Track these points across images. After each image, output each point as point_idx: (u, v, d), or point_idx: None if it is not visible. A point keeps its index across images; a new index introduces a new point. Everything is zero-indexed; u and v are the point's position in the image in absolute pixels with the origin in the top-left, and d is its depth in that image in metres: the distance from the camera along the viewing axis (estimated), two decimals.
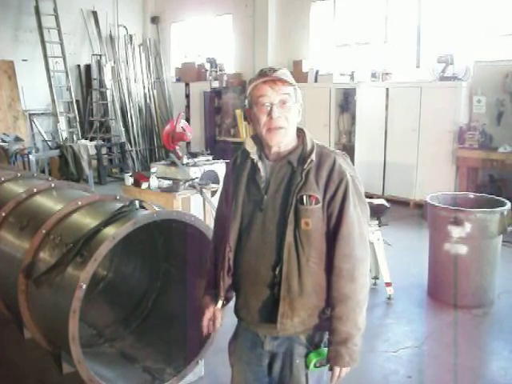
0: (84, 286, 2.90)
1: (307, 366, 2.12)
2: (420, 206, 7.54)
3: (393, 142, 8.41)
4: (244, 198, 2.13)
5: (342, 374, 2.07)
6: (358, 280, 2.01)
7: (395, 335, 4.32)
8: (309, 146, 2.08)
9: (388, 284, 4.88)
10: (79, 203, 3.62)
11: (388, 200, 5.39)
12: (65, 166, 8.81)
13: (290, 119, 2.05)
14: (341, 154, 2.12)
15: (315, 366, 2.11)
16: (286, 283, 2.03)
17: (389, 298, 4.89)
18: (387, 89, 8.36)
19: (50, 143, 10.72)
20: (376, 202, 5.03)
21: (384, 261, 4.84)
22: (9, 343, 4.16)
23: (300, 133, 2.14)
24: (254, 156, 2.12)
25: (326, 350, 2.10)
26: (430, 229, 5.04)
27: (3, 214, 3.96)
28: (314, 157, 2.05)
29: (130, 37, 12.07)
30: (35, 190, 4.15)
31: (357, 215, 2.03)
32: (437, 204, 4.84)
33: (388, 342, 4.18)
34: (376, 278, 5.17)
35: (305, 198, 2.01)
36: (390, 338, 4.29)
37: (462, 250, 4.66)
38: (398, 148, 8.34)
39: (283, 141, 2.07)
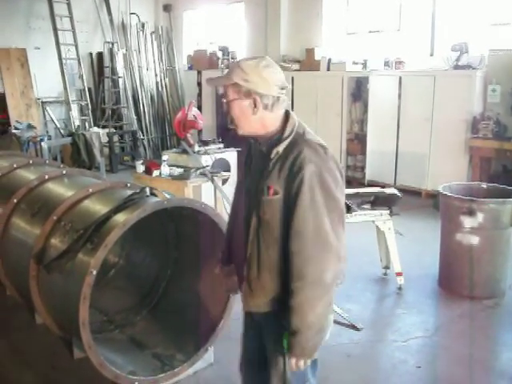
0: (94, 272, 2.92)
1: (283, 347, 2.16)
2: (432, 195, 7.48)
3: (405, 131, 8.32)
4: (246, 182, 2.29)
5: (298, 364, 2.09)
6: (307, 278, 1.98)
7: (405, 325, 4.30)
8: (284, 135, 2.11)
9: (399, 274, 4.86)
10: (90, 190, 3.64)
11: (400, 190, 5.34)
12: (77, 154, 8.84)
13: (236, 115, 2.12)
14: (314, 145, 2.07)
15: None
16: (248, 265, 2.16)
17: (399, 288, 4.86)
18: (400, 77, 8.26)
19: (62, 131, 10.77)
20: (388, 191, 5.01)
21: (395, 251, 4.81)
22: (21, 328, 4.20)
23: (285, 120, 2.15)
24: (252, 142, 2.24)
25: None
26: (441, 219, 5.00)
27: (15, 201, 4.00)
28: (281, 148, 2.08)
29: (142, 24, 12.02)
30: (47, 177, 4.18)
31: (314, 210, 1.98)
32: (449, 194, 4.79)
33: (398, 332, 4.17)
34: (387, 267, 5.15)
35: (265, 188, 2.07)
36: (400, 327, 4.27)
37: (474, 240, 4.62)
38: (410, 137, 8.26)
39: (240, 132, 2.15)
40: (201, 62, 11.75)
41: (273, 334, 2.21)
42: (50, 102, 10.98)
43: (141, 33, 11.99)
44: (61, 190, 3.98)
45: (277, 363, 2.23)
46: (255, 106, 2.08)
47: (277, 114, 2.13)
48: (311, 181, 1.98)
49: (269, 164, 2.09)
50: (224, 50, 11.27)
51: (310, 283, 1.99)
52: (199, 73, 11.75)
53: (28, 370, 3.66)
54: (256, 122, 2.12)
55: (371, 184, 8.29)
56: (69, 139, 9.14)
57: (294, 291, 2.00)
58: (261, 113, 2.10)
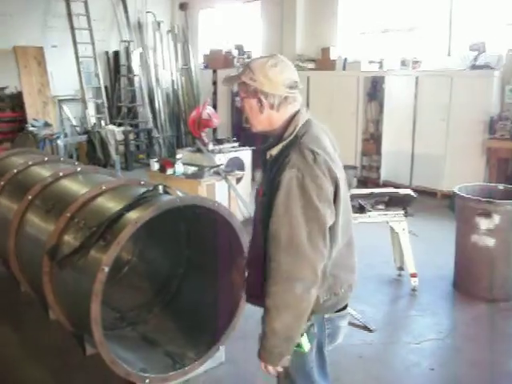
0: (106, 269, 2.92)
1: None
2: (448, 197, 7.39)
3: (421, 132, 8.25)
4: None
5: (266, 368, 2.07)
6: (277, 285, 1.94)
7: (419, 327, 4.26)
8: (283, 137, 2.09)
9: (413, 275, 4.81)
10: (103, 187, 3.65)
11: (415, 190, 5.28)
12: (92, 151, 8.91)
13: (247, 112, 2.17)
14: (303, 150, 1.99)
15: None
16: (248, 260, 2.28)
17: (413, 290, 4.81)
18: (417, 77, 8.19)
19: (78, 129, 10.85)
20: (402, 191, 4.96)
21: (409, 251, 4.77)
22: (35, 323, 4.24)
23: (291, 120, 2.13)
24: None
25: None
26: (457, 220, 4.94)
27: (30, 197, 4.03)
28: (274, 151, 2.09)
29: (158, 23, 12.06)
30: (61, 174, 4.21)
31: (289, 217, 1.93)
32: (465, 195, 4.73)
33: (411, 334, 4.13)
34: (401, 268, 5.11)
35: (257, 189, 2.16)
36: (413, 329, 4.23)
37: (490, 242, 4.56)
38: (426, 138, 8.18)
39: (252, 129, 2.20)
40: (216, 60, 11.75)
41: None
42: (67, 100, 11.06)
43: (157, 31, 12.03)
44: (75, 186, 4.00)
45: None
46: (261, 105, 2.09)
47: (284, 113, 2.12)
48: (289, 185, 1.93)
49: (266, 165, 2.14)
50: (239, 49, 11.29)
51: (279, 290, 1.94)
52: (215, 72, 11.75)
53: (40, 365, 3.69)
54: (264, 120, 2.13)
55: (386, 184, 8.22)
56: (84, 137, 9.22)
57: (266, 295, 1.98)
58: (267, 112, 2.10)
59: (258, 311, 2.35)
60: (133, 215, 3.11)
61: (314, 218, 1.94)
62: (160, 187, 3.42)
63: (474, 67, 7.63)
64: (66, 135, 9.52)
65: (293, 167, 1.95)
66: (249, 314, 3.58)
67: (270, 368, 2.06)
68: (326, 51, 9.75)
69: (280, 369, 2.08)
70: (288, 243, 1.93)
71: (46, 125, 9.45)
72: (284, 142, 2.07)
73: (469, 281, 4.79)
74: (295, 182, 1.93)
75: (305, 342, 2.10)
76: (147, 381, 3.18)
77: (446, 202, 7.31)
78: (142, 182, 3.84)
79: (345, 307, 2.28)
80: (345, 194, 2.12)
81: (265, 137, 2.28)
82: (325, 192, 1.97)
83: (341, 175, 2.08)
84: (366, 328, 4.13)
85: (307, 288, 1.95)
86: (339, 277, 2.15)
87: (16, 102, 10.24)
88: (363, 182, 8.89)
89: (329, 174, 1.99)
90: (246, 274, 2.31)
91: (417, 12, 8.91)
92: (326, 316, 2.19)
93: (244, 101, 2.14)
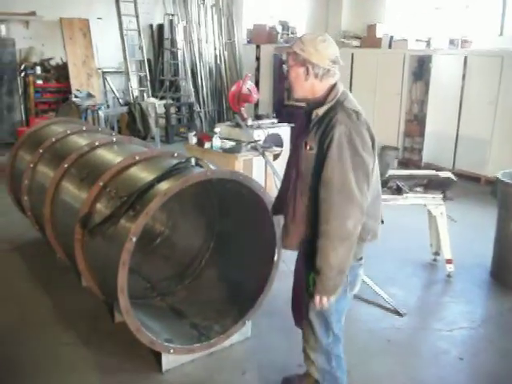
0: (134, 239, 2.93)
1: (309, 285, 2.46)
2: (492, 182, 7.15)
3: (467, 114, 7.97)
4: None
5: (318, 301, 2.39)
6: (332, 222, 2.27)
7: (451, 314, 4.14)
8: (326, 101, 2.41)
9: (449, 261, 4.68)
10: (136, 158, 3.67)
11: (458, 175, 5.13)
12: (133, 123, 8.98)
13: (292, 79, 2.47)
14: (348, 110, 2.34)
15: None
16: (286, 210, 2.52)
17: (448, 276, 4.69)
18: (465, 57, 7.88)
19: (121, 101, 10.95)
20: (442, 174, 4.80)
21: (446, 236, 4.63)
22: (68, 289, 4.33)
23: (331, 89, 2.44)
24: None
25: None
26: (498, 207, 4.76)
27: (66, 166, 4.09)
28: (320, 111, 2.40)
29: None
30: (97, 144, 4.25)
31: (341, 164, 2.27)
32: (508, 181, 4.55)
33: (443, 321, 4.02)
34: (437, 253, 4.98)
35: (302, 144, 2.41)
36: (445, 316, 4.12)
37: None
38: (472, 120, 7.90)
39: (294, 95, 2.53)
40: (260, 36, 11.63)
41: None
42: (110, 72, 11.17)
43: (201, 5, 11.94)
44: (109, 156, 4.03)
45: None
46: (307, 73, 2.41)
47: (325, 83, 2.44)
48: (340, 139, 2.27)
49: (310, 124, 2.42)
50: (284, 25, 11.13)
51: (334, 227, 2.27)
52: (258, 47, 11.64)
53: (71, 329, 3.76)
54: (307, 87, 2.45)
55: (428, 167, 8.00)
56: (125, 108, 9.29)
57: (320, 234, 2.31)
58: (311, 80, 2.43)
59: (285, 290, 2.35)
60: (163, 186, 3.11)
61: (360, 165, 2.30)
62: (192, 160, 3.40)
63: None
64: (108, 107, 9.61)
65: (341, 124, 2.30)
66: (276, 292, 3.57)
67: (325, 300, 2.38)
68: (372, 28, 9.51)
69: (333, 299, 2.40)
70: (340, 187, 2.27)
71: (89, 96, 9.57)
72: (328, 105, 2.39)
73: (507, 270, 4.63)
74: (344, 136, 2.28)
75: None
76: (171, 351, 3.21)
77: (490, 188, 7.07)
78: (175, 154, 3.83)
79: (361, 257, 2.58)
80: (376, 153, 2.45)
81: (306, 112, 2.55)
82: (367, 144, 2.34)
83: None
84: (396, 312, 4.05)
85: (355, 224, 2.30)
86: (368, 224, 2.44)
87: (61, 72, 10.40)
88: (404, 164, 8.71)
89: (368, 132, 2.35)
90: (283, 223, 2.60)
91: None
92: None
93: (292, 68, 2.45)
